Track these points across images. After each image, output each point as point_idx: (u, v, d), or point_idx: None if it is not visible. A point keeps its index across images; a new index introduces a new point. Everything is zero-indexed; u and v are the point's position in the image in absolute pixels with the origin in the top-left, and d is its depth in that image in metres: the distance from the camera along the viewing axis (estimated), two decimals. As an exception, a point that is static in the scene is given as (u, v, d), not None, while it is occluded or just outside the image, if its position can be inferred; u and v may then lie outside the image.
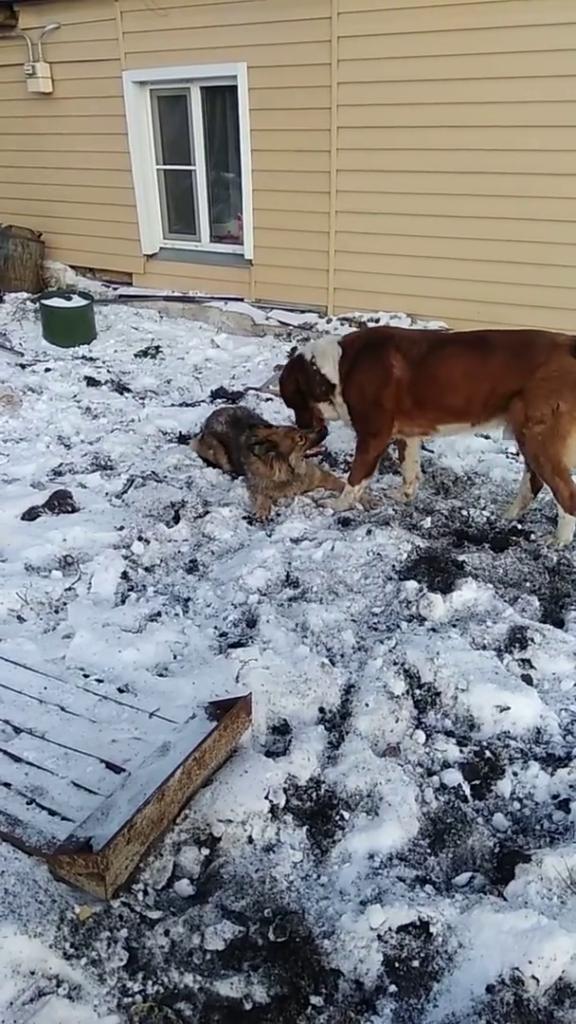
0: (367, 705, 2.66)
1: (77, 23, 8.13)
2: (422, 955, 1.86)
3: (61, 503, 4.18)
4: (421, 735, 2.58)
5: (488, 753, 2.50)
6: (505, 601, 3.28)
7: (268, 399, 5.54)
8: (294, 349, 4.26)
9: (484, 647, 2.96)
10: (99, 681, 2.79)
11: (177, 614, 3.28)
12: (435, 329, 6.37)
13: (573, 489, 3.69)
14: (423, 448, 4.98)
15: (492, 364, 3.64)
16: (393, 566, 3.55)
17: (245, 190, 7.72)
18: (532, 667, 2.87)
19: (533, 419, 3.56)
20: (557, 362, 3.49)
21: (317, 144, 7.06)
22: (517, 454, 4.81)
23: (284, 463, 4.11)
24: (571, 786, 2.37)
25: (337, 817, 2.28)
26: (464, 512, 4.14)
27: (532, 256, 6.32)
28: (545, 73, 5.80)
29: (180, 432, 5.34)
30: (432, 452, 4.88)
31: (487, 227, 6.45)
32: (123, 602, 3.40)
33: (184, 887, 2.09)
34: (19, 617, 3.27)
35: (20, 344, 7.42)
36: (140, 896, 2.03)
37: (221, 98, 7.81)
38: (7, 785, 2.27)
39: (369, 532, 3.75)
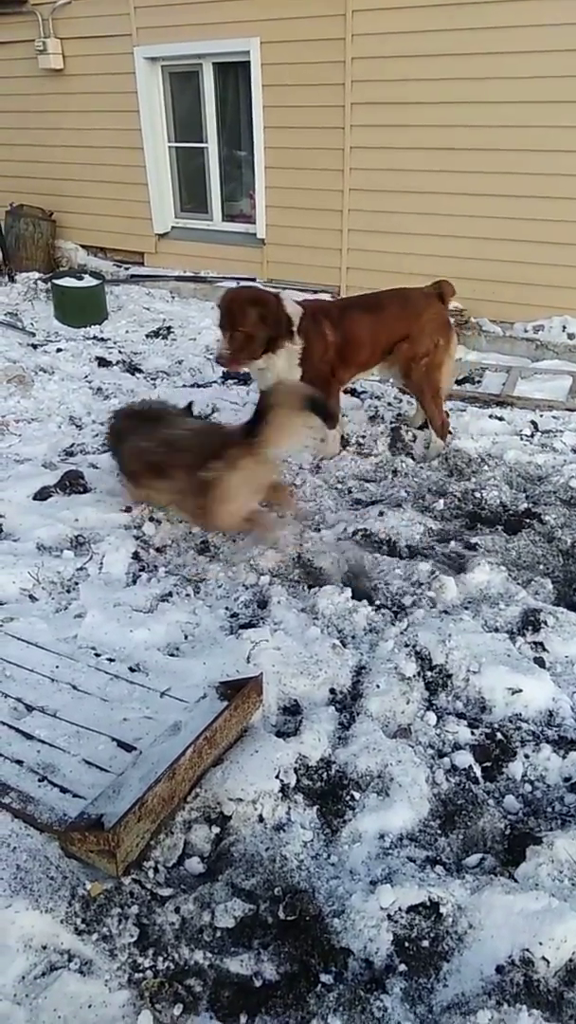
0: (378, 687, 2.65)
1: (88, -3, 8.04)
2: (432, 935, 1.86)
3: (72, 483, 4.17)
4: (432, 717, 2.57)
5: (499, 735, 2.49)
6: (518, 583, 3.26)
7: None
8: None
9: (496, 629, 2.95)
10: (110, 660, 2.79)
11: (188, 595, 3.28)
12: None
13: (444, 418, 4.54)
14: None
15: (386, 318, 4.35)
16: (406, 548, 3.52)
17: (258, 168, 7.64)
18: (545, 650, 2.85)
19: (419, 355, 4.35)
20: (435, 308, 4.39)
21: (331, 121, 6.95)
22: (524, 434, 4.81)
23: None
24: (583, 769, 2.36)
25: (347, 797, 2.28)
26: (477, 494, 4.10)
27: (550, 235, 6.22)
28: (568, 47, 5.68)
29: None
30: (445, 434, 4.85)
31: (504, 206, 6.35)
32: (134, 582, 3.40)
33: (194, 865, 2.10)
34: (31, 596, 3.28)
35: (31, 324, 7.40)
36: (151, 873, 2.04)
37: (234, 74, 7.71)
38: (19, 763, 2.28)
39: (381, 514, 3.73)
